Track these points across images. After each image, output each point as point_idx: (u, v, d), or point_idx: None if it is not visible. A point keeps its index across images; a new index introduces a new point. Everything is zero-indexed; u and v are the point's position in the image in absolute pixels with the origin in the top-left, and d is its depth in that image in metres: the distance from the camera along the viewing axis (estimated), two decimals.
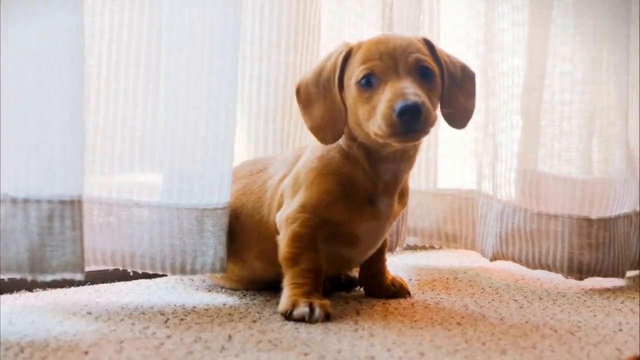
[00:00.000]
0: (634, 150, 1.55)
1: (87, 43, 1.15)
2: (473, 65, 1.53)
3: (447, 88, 1.11)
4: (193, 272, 1.16)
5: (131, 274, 1.23)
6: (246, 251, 1.19)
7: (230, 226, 1.17)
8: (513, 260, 1.46)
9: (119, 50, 1.16)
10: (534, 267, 1.44)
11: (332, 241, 1.13)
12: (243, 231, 1.19)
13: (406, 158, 1.12)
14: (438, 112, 1.10)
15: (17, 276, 0.98)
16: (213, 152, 1.16)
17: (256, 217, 1.18)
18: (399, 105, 0.99)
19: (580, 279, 1.41)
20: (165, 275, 1.31)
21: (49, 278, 0.99)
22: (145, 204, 1.15)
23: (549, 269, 1.42)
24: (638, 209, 1.50)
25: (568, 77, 1.46)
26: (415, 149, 1.14)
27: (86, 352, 0.87)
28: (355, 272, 1.31)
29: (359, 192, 1.11)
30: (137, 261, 1.15)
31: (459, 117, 1.13)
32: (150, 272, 1.17)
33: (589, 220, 1.40)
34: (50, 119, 0.99)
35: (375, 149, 1.10)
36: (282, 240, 1.11)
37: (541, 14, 1.46)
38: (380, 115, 1.01)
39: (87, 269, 1.26)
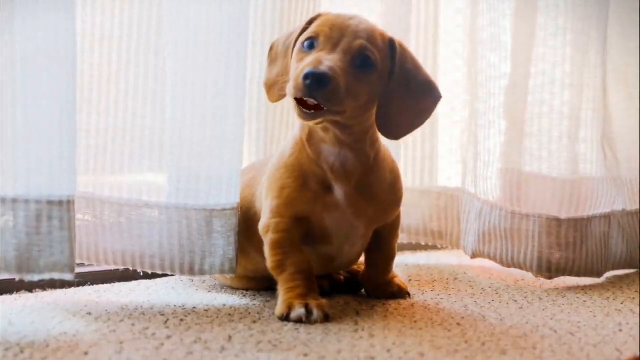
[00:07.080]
0: (623, 150, 1.55)
1: (96, 44, 1.15)
2: (466, 64, 1.56)
3: (390, 91, 1.09)
4: (202, 272, 1.17)
5: (135, 272, 1.23)
6: (248, 243, 1.20)
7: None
8: (489, 258, 1.46)
9: (129, 50, 1.16)
10: (508, 266, 1.44)
11: (308, 239, 1.13)
12: (245, 223, 1.19)
13: (346, 144, 1.10)
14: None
15: (5, 276, 0.99)
16: (221, 151, 1.16)
17: (252, 211, 1.19)
18: (307, 69, 1.00)
19: (550, 278, 1.41)
20: (167, 276, 1.31)
21: (36, 278, 0.99)
22: (155, 204, 1.16)
23: (521, 268, 1.43)
24: (629, 209, 1.50)
25: (549, 79, 1.46)
26: (354, 138, 1.10)
27: (86, 353, 0.87)
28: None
29: (311, 179, 1.11)
30: (146, 261, 1.16)
31: (390, 127, 1.10)
32: (160, 272, 1.18)
33: (558, 220, 1.40)
34: (39, 119, 0.99)
35: (313, 128, 1.10)
36: (265, 251, 1.12)
37: (527, 17, 1.46)
38: (293, 75, 1.03)
39: (91, 269, 1.28)
